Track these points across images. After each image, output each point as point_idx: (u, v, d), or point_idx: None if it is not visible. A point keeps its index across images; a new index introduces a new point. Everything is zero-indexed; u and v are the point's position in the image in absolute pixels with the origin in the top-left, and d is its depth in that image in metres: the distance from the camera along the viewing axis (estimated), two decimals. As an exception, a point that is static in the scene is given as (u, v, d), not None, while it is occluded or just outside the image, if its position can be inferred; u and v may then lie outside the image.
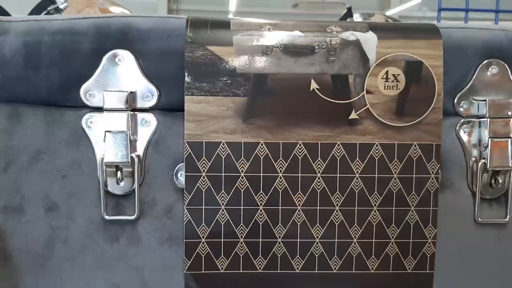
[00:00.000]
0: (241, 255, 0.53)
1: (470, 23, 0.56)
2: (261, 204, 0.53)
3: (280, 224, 0.53)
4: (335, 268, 0.54)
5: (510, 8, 1.25)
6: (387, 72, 0.52)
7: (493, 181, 0.55)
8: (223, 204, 0.52)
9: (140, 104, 0.52)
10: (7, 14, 1.15)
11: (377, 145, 0.53)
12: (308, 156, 0.52)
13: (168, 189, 0.53)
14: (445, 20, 1.30)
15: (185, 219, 0.52)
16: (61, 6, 1.19)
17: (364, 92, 0.52)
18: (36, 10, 1.23)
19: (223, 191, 0.52)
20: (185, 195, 0.52)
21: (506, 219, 0.55)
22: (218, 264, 0.53)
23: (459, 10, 1.18)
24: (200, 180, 0.52)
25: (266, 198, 0.52)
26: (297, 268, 0.54)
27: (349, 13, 1.38)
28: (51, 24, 0.52)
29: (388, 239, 0.54)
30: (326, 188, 0.53)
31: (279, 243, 0.53)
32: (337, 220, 0.53)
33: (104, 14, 0.53)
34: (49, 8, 1.19)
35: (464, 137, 0.55)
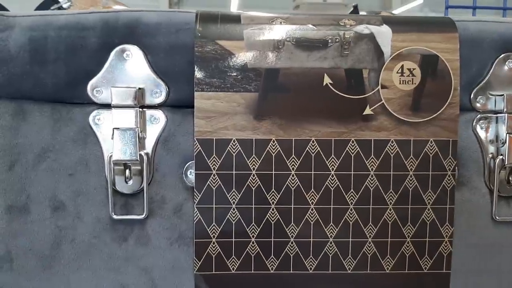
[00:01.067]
0: (253, 255, 0.52)
1: (484, 17, 0.55)
2: (273, 202, 0.51)
3: (292, 223, 0.52)
4: (349, 269, 0.52)
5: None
6: (402, 66, 0.51)
7: (511, 178, 0.54)
8: (234, 202, 0.51)
9: (148, 100, 0.51)
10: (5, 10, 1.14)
11: (392, 142, 0.51)
12: (321, 153, 0.51)
13: (177, 187, 0.52)
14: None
15: (195, 218, 0.51)
16: (64, 6, 1.18)
17: (379, 87, 0.51)
18: (39, 9, 1.22)
19: (234, 189, 0.51)
20: (195, 193, 0.51)
21: (525, 217, 0.54)
22: (229, 264, 0.52)
23: (466, 8, 1.17)
24: (211, 178, 0.51)
25: (278, 196, 0.51)
26: (310, 268, 0.52)
27: (355, 11, 1.37)
28: (57, 19, 0.51)
29: (404, 238, 0.52)
30: (340, 186, 0.51)
31: (292, 243, 0.52)
32: (351, 219, 0.52)
33: (112, 9, 0.52)
34: (52, 8, 1.18)
35: (481, 133, 0.54)
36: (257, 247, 0.52)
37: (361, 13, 1.39)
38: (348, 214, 0.52)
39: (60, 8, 1.18)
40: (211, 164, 0.50)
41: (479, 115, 0.53)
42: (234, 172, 0.51)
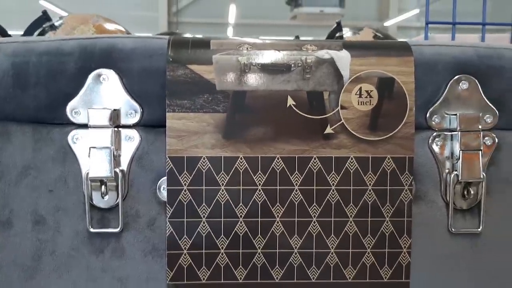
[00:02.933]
0: (222, 266, 0.55)
1: (445, 40, 0.58)
2: (241, 216, 0.55)
3: (259, 235, 0.55)
4: (313, 278, 0.56)
5: (494, 18, 1.28)
6: (360, 89, 0.54)
7: (465, 192, 0.57)
8: (204, 216, 0.54)
9: (124, 121, 0.55)
10: (7, 34, 1.18)
11: (352, 158, 0.55)
12: (286, 170, 0.54)
13: (151, 202, 0.55)
14: (434, 33, 1.33)
15: (167, 231, 0.54)
16: (56, 24, 1.21)
17: (339, 107, 0.54)
18: (32, 27, 1.26)
19: (204, 203, 0.54)
20: (167, 208, 0.54)
21: (479, 229, 0.57)
22: (200, 274, 0.55)
23: (446, 24, 1.20)
24: (182, 193, 0.54)
25: (246, 210, 0.54)
26: (277, 278, 0.55)
27: (338, 27, 1.40)
28: (38, 46, 0.54)
29: (364, 249, 0.56)
30: (304, 200, 0.55)
31: (259, 254, 0.55)
32: (314, 231, 0.55)
33: (90, 35, 0.56)
34: (44, 26, 1.22)
35: (437, 150, 0.57)
36: (226, 258, 0.55)
37: (344, 28, 1.43)
38: (312, 226, 0.55)
39: (52, 26, 1.22)
40: (182, 180, 0.54)
41: (435, 133, 0.57)
42: (204, 187, 0.54)
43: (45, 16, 1.29)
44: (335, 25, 1.39)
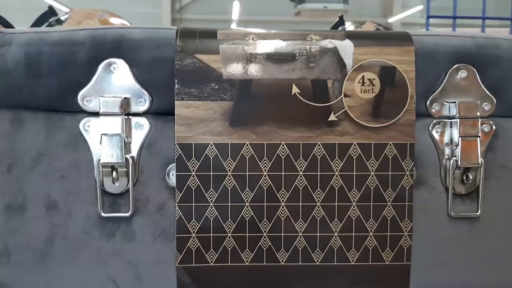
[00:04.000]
0: (229, 249, 0.57)
1: (445, 31, 0.60)
2: (247, 201, 0.56)
3: (265, 219, 0.57)
4: (317, 260, 0.57)
5: (497, 15, 1.29)
6: (363, 77, 0.56)
7: (464, 178, 0.59)
8: (211, 201, 0.56)
9: (134, 109, 0.56)
10: (11, 26, 1.20)
11: (355, 145, 0.56)
12: (291, 156, 0.56)
13: (160, 187, 0.57)
14: (435, 27, 1.34)
15: (176, 215, 0.56)
16: (62, 18, 1.23)
17: (342, 95, 0.56)
18: (38, 22, 1.27)
19: (211, 189, 0.56)
20: (176, 193, 0.56)
21: (478, 213, 0.58)
22: (208, 257, 0.57)
23: (446, 18, 1.22)
24: (190, 179, 0.56)
25: (252, 195, 0.56)
26: (282, 260, 0.57)
27: (340, 21, 1.42)
28: (50, 36, 0.56)
29: (367, 232, 0.57)
30: (308, 186, 0.57)
31: (265, 237, 0.57)
32: (318, 215, 0.57)
33: (100, 26, 0.57)
34: (50, 20, 1.24)
35: (437, 136, 0.59)
36: (233, 242, 0.57)
37: (346, 22, 1.44)
38: (316, 211, 0.57)
39: (58, 20, 1.24)
40: (190, 166, 0.56)
41: (434, 121, 0.59)
42: (211, 173, 0.56)
43: (51, 11, 1.31)
44: (338, 19, 1.41)
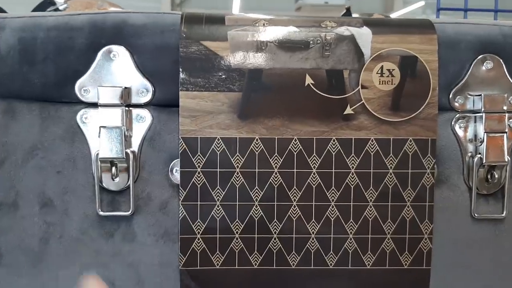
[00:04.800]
0: (237, 251, 0.53)
1: (463, 19, 0.56)
2: (256, 200, 0.52)
3: (275, 219, 0.53)
4: (331, 264, 0.54)
5: (509, 8, 1.25)
6: (382, 67, 0.52)
7: (489, 176, 0.55)
8: (218, 200, 0.52)
9: (135, 99, 0.52)
10: (2, 11, 1.16)
11: (372, 140, 0.53)
12: (303, 152, 0.52)
13: (163, 185, 0.53)
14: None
15: (180, 215, 0.52)
16: (60, 8, 1.19)
17: (359, 87, 0.52)
18: (35, 11, 1.23)
19: (218, 187, 0.52)
20: (180, 191, 0.52)
21: (503, 215, 0.55)
22: (213, 260, 0.53)
23: (457, 10, 1.18)
24: (195, 175, 0.52)
25: (262, 193, 0.52)
26: (293, 264, 0.53)
27: (347, 14, 1.38)
28: (46, 20, 0.52)
29: (384, 234, 0.53)
30: (322, 184, 0.53)
31: (275, 239, 0.53)
32: (332, 216, 0.53)
33: (100, 11, 0.53)
34: (48, 10, 1.20)
35: (460, 132, 0.55)
36: (241, 243, 0.53)
37: (354, 15, 1.40)
38: (330, 211, 0.53)
39: (57, 10, 1.20)
40: (196, 162, 0.52)
41: (457, 115, 0.55)
42: (218, 170, 0.52)
43: (49, 0, 1.27)
44: (345, 11, 1.37)
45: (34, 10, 1.25)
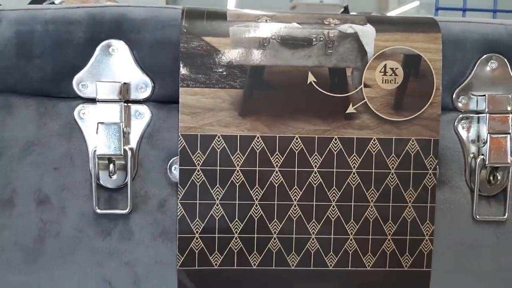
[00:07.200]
0: (236, 251, 0.52)
1: (468, 18, 0.55)
2: (256, 199, 0.52)
3: (275, 219, 0.52)
4: (330, 265, 0.53)
5: (508, 8, 1.25)
6: (385, 66, 0.51)
7: (491, 178, 0.54)
8: (217, 198, 0.51)
9: (133, 95, 0.51)
10: None
11: (374, 140, 0.52)
12: (305, 150, 0.52)
13: (161, 183, 0.52)
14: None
15: (178, 214, 0.51)
16: (56, 2, 1.18)
17: (362, 85, 0.51)
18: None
19: (218, 185, 0.51)
20: (179, 189, 0.51)
21: (505, 217, 0.54)
22: (212, 260, 0.52)
23: (456, 10, 1.18)
24: (195, 174, 0.51)
25: (262, 193, 0.52)
26: (292, 264, 0.53)
27: (345, 13, 1.37)
28: (44, 13, 0.51)
29: (385, 236, 0.53)
30: (323, 183, 0.52)
31: (274, 239, 0.52)
32: (333, 216, 0.52)
33: (98, 4, 0.52)
34: (45, 3, 1.18)
35: (463, 132, 0.54)
36: (240, 243, 0.52)
37: (352, 13, 1.39)
38: (330, 211, 0.52)
39: (53, 3, 1.19)
40: (195, 159, 0.51)
41: (461, 115, 0.54)
42: (218, 168, 0.51)
43: (44, -6, 1.26)
44: (342, 9, 1.36)
45: (30, 3, 1.24)
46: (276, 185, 0.52)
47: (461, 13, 1.17)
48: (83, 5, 0.51)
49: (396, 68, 0.51)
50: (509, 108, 0.53)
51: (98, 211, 0.51)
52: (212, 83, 0.50)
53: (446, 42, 0.52)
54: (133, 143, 0.52)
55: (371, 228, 0.53)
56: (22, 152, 0.51)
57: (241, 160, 0.51)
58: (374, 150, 0.52)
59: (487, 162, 0.53)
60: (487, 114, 0.53)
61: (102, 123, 0.50)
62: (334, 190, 0.52)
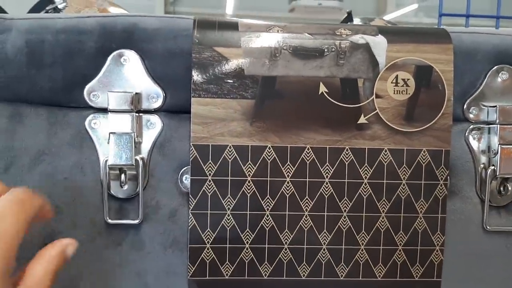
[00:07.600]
0: (247, 261, 0.52)
1: (478, 29, 0.55)
2: (267, 209, 0.52)
3: (287, 229, 0.52)
4: (341, 275, 0.53)
5: (511, 14, 1.25)
6: (397, 77, 0.51)
7: (502, 189, 0.54)
8: (229, 209, 0.51)
9: (145, 105, 0.51)
10: (3, 11, 1.14)
11: (385, 151, 0.52)
12: (316, 161, 0.51)
13: (172, 193, 0.52)
14: (445, 26, 1.30)
15: (189, 224, 0.51)
16: (59, 6, 1.17)
17: (374, 96, 0.51)
18: (34, 10, 1.21)
19: (229, 195, 0.51)
20: (190, 199, 0.51)
21: (515, 227, 0.54)
22: (223, 270, 0.52)
23: (459, 16, 1.18)
24: (206, 184, 0.51)
25: (273, 203, 0.51)
26: (303, 275, 0.53)
27: (349, 18, 1.37)
28: (54, 23, 0.51)
29: (396, 246, 0.53)
30: (334, 194, 0.52)
31: (286, 249, 0.52)
32: (344, 226, 0.52)
33: (110, 14, 0.52)
34: (47, 8, 1.18)
35: (473, 143, 0.54)
36: (251, 253, 0.52)
37: (354, 19, 1.40)
38: (342, 222, 0.52)
39: (56, 8, 1.18)
40: (206, 170, 0.51)
41: (471, 126, 0.54)
42: (229, 178, 0.51)
43: (47, -1, 1.25)
44: (346, 15, 1.36)
45: (33, 7, 1.23)
46: (287, 196, 0.52)
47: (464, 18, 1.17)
48: (94, 15, 0.51)
49: (408, 79, 0.51)
50: (520, 119, 0.53)
51: (109, 221, 0.51)
52: (224, 93, 0.50)
53: (457, 53, 0.52)
54: (144, 153, 0.52)
55: (382, 239, 0.53)
56: (33, 161, 0.51)
57: (252, 170, 0.51)
58: (385, 160, 0.52)
59: (497, 173, 0.53)
60: (498, 125, 0.53)
61: (113, 133, 0.50)
62: (345, 201, 0.52)
